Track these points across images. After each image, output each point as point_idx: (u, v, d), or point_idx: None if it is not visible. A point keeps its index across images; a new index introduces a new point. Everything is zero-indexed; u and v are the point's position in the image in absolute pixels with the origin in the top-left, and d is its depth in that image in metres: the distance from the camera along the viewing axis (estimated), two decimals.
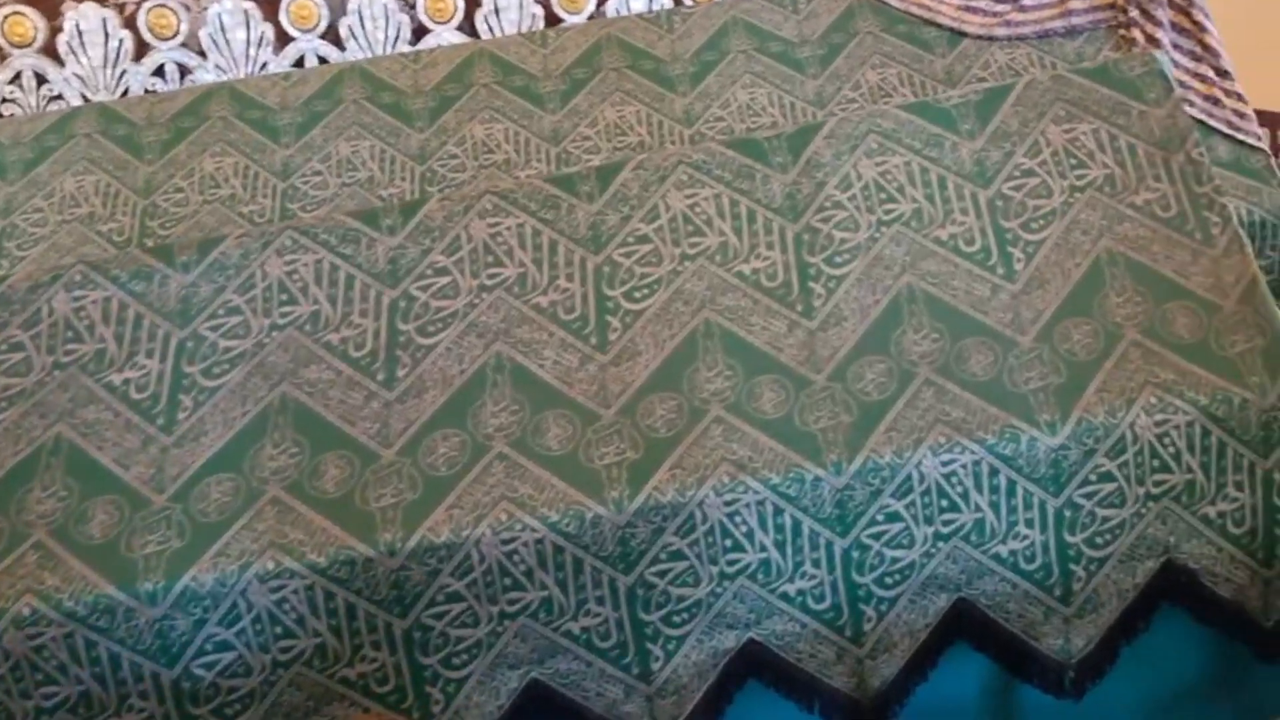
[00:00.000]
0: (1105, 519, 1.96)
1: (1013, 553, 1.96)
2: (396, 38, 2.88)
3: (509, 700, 1.93)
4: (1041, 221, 2.13)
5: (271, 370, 2.04)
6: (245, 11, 2.84)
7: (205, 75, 2.83)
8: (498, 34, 2.88)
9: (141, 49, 2.84)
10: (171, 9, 2.83)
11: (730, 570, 1.92)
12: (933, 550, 1.95)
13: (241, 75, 2.83)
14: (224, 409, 2.00)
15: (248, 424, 1.98)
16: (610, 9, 2.90)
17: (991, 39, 2.60)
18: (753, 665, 1.98)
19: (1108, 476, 1.94)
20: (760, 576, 1.93)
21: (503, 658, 1.91)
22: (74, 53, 2.82)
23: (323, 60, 2.86)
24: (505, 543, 1.87)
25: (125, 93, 2.82)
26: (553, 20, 2.90)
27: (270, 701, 1.87)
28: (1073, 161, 2.19)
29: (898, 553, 1.95)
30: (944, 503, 1.94)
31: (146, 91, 2.81)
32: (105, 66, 2.82)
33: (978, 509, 1.94)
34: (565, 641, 1.92)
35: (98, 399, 2.01)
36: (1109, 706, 2.06)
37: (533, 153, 2.51)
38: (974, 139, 2.22)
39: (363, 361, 2.05)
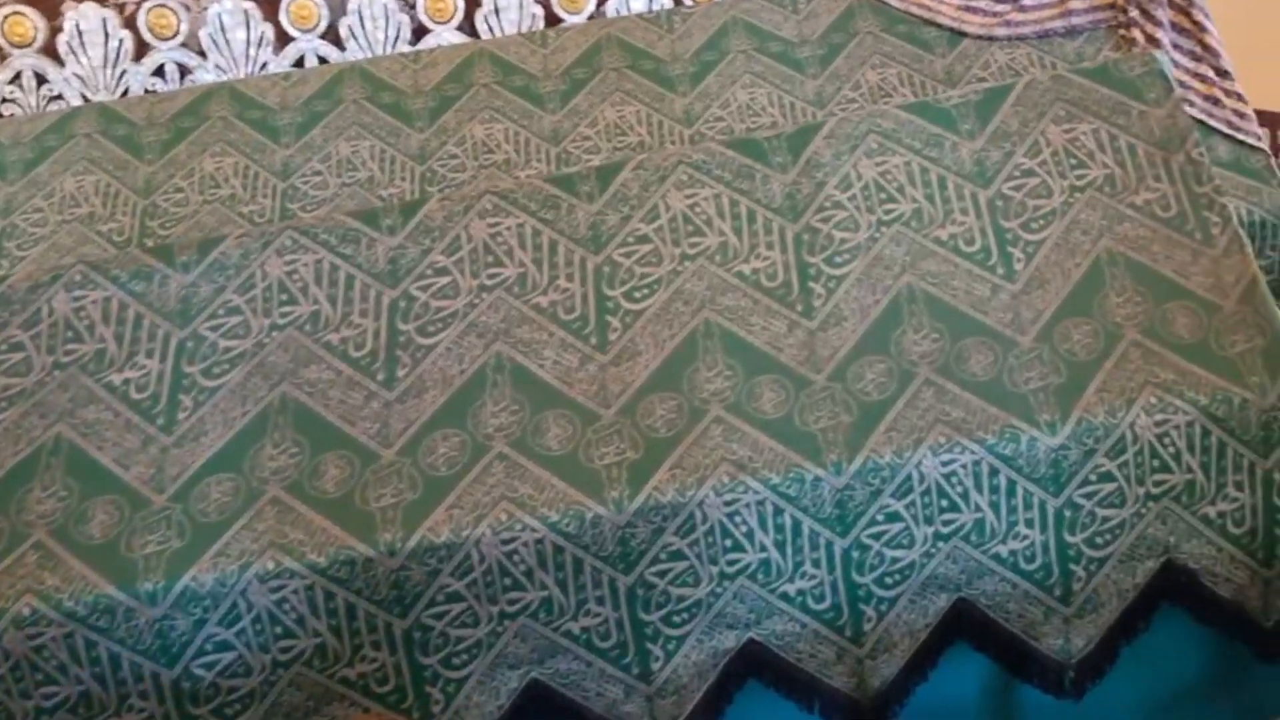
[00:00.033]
0: (1105, 519, 1.96)
1: (1013, 553, 1.96)
2: (396, 38, 2.88)
3: (509, 700, 1.93)
4: (1041, 221, 2.13)
5: (271, 370, 2.04)
6: (245, 11, 2.84)
7: (205, 75, 2.83)
8: (498, 34, 2.88)
9: (141, 49, 2.84)
10: (171, 9, 2.83)
11: (730, 570, 1.92)
12: (933, 550, 1.95)
13: (241, 75, 2.83)
14: (224, 409, 2.00)
15: (248, 424, 1.98)
16: (610, 9, 2.90)
17: (991, 39, 2.60)
18: (753, 665, 1.98)
19: (1108, 476, 1.94)
20: (760, 576, 1.93)
21: (503, 658, 1.91)
22: (74, 53, 2.82)
23: (323, 60, 2.86)
24: (505, 543, 1.87)
25: (125, 93, 2.82)
26: (553, 20, 2.90)
27: (270, 701, 1.87)
28: (1073, 161, 2.19)
29: (898, 553, 1.95)
30: (944, 503, 1.94)
31: (146, 91, 2.81)
32: (105, 66, 2.82)
33: (978, 509, 1.94)
34: (565, 641, 1.92)
35: (98, 399, 2.01)
36: (1109, 706, 2.06)
37: (533, 153, 2.51)
38: (974, 139, 2.22)
39: (363, 361, 2.05)
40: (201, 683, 1.85)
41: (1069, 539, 1.96)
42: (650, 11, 2.84)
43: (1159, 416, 1.93)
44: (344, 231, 2.17)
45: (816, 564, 1.94)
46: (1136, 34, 2.53)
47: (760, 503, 1.91)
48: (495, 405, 1.99)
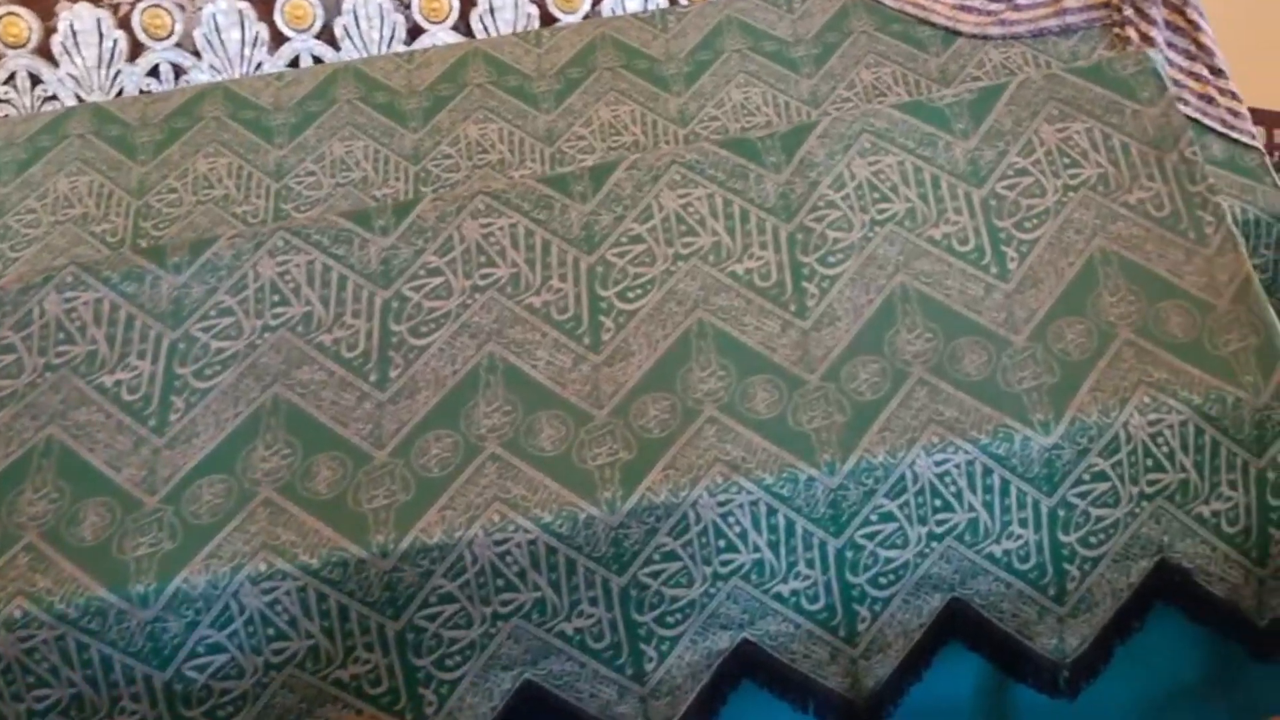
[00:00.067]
0: (1099, 518, 1.96)
1: (1006, 552, 1.96)
2: (391, 37, 2.88)
3: (502, 702, 1.93)
4: (1035, 221, 2.13)
5: (264, 371, 2.03)
6: (240, 11, 2.84)
7: (200, 75, 2.82)
8: (493, 34, 2.88)
9: (136, 49, 2.84)
10: (166, 9, 2.82)
11: (724, 571, 1.92)
12: (926, 550, 1.95)
13: (236, 75, 2.82)
14: (216, 410, 1.99)
15: (240, 425, 1.98)
16: (605, 8, 2.89)
17: (986, 38, 2.60)
18: (746, 666, 1.98)
19: (1101, 476, 1.94)
20: (754, 577, 1.93)
21: (496, 659, 1.91)
22: (68, 53, 2.81)
23: (318, 60, 2.86)
24: (498, 544, 1.87)
25: (120, 93, 2.82)
26: (548, 20, 2.90)
27: (263, 704, 1.87)
28: (1066, 160, 2.18)
29: (891, 553, 1.94)
30: (938, 502, 1.94)
31: (141, 92, 2.81)
32: (100, 67, 2.82)
33: (971, 509, 1.94)
34: (558, 643, 1.92)
35: (89, 400, 2.00)
36: (1103, 706, 2.06)
37: (527, 153, 2.51)
38: (967, 138, 2.22)
39: (355, 362, 2.05)
40: (194, 685, 1.84)
41: (1063, 538, 1.96)
42: (644, 11, 2.83)
43: (1152, 416, 1.93)
44: (336, 232, 2.17)
45: (810, 564, 1.93)
46: (1131, 32, 2.53)
47: (754, 503, 1.90)
48: (488, 406, 1.99)
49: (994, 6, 2.64)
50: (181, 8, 2.83)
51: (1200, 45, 2.54)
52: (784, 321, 2.05)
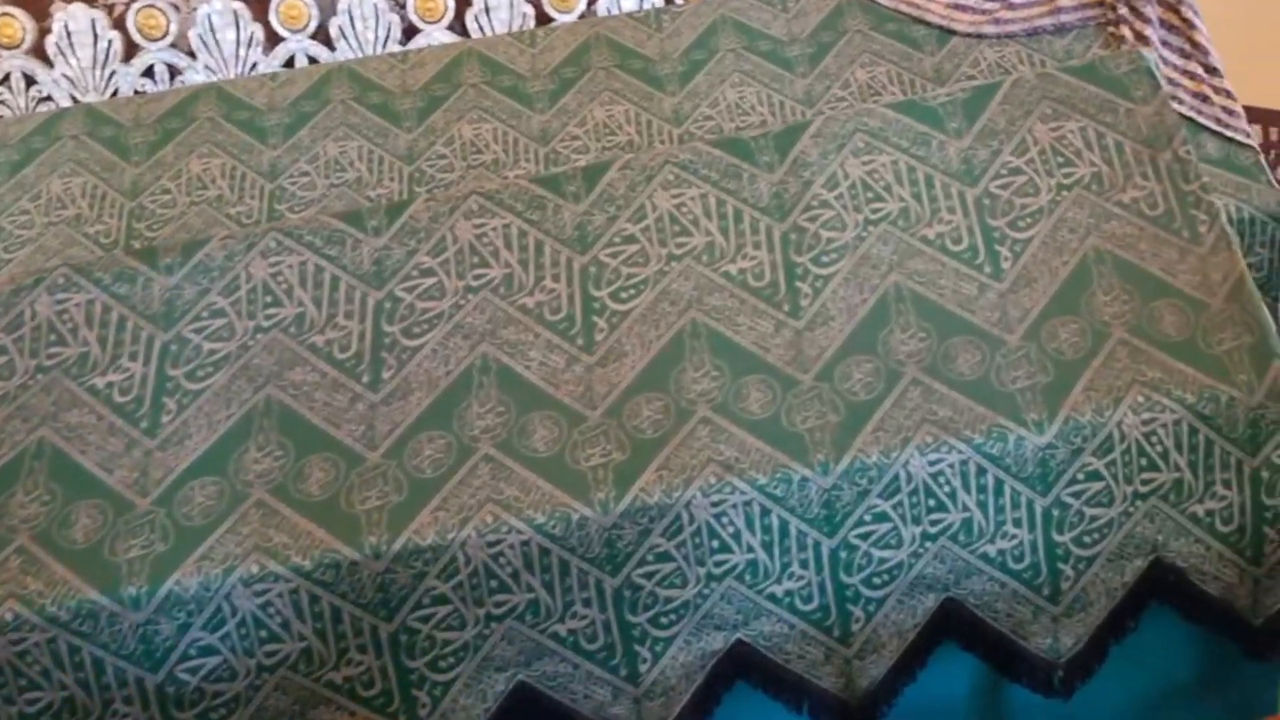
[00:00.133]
0: (1093, 518, 1.96)
1: (1001, 552, 1.96)
2: (387, 38, 2.88)
3: (496, 703, 1.92)
4: (1029, 220, 2.13)
5: (256, 373, 2.03)
6: (235, 12, 2.84)
7: (195, 76, 2.82)
8: (488, 33, 2.87)
9: (131, 50, 2.83)
10: (160, 9, 2.82)
11: (717, 571, 1.92)
12: (920, 550, 1.95)
13: (231, 76, 2.82)
14: (208, 412, 1.99)
15: (232, 427, 1.97)
16: (600, 8, 2.89)
17: (980, 37, 2.60)
18: (740, 666, 1.97)
19: (1095, 475, 1.94)
20: (748, 577, 1.93)
21: (489, 660, 1.91)
22: (63, 54, 2.81)
23: (313, 60, 2.85)
24: (491, 545, 1.87)
25: (115, 94, 2.81)
26: (543, 19, 2.89)
27: (255, 706, 1.87)
28: (1060, 159, 2.18)
29: (885, 553, 1.94)
30: (931, 502, 1.93)
31: (136, 92, 2.80)
32: (94, 68, 2.81)
33: (965, 508, 1.94)
34: (552, 644, 1.91)
35: (81, 402, 2.00)
36: (1098, 706, 2.06)
37: (521, 153, 2.51)
38: (961, 137, 2.22)
39: (348, 363, 2.04)
40: (186, 687, 1.84)
41: (1057, 538, 1.96)
42: (639, 10, 2.83)
43: (1146, 415, 1.93)
44: (329, 233, 2.17)
45: (804, 564, 1.93)
46: (1125, 31, 2.53)
47: (747, 503, 1.90)
48: (481, 407, 1.99)
49: (989, 5, 2.63)
50: (176, 8, 2.83)
51: (1195, 44, 2.54)
52: (777, 321, 2.05)
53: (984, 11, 2.62)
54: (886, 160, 2.20)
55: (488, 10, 2.88)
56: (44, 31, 2.81)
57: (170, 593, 1.82)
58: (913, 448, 1.92)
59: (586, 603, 1.90)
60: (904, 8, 2.67)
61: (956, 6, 2.64)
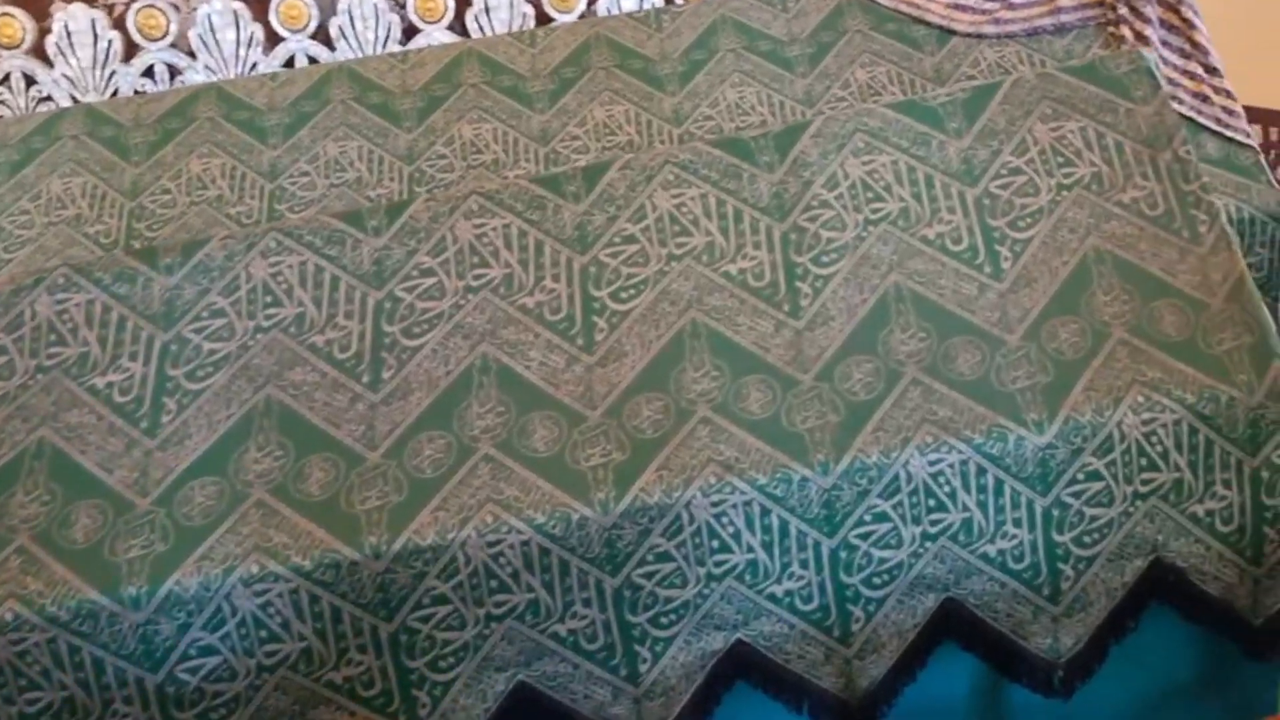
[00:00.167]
0: (1093, 518, 1.96)
1: (1001, 552, 1.96)
2: (387, 38, 2.88)
3: (496, 703, 1.92)
4: (1029, 220, 2.13)
5: (256, 373, 2.03)
6: (235, 12, 2.84)
7: (195, 76, 2.82)
8: (488, 33, 2.87)
9: (131, 50, 2.83)
10: (161, 9, 2.82)
11: (717, 571, 1.92)
12: (920, 550, 1.95)
13: (231, 76, 2.82)
14: (208, 412, 1.99)
15: (232, 427, 1.97)
16: (601, 8, 2.89)
17: (980, 37, 2.60)
18: (740, 666, 1.97)
19: (1095, 475, 1.94)
20: (748, 577, 1.93)
21: (489, 660, 1.91)
22: (63, 54, 2.81)
23: (313, 60, 2.85)
24: (491, 545, 1.87)
25: (115, 94, 2.81)
26: (544, 19, 2.89)
27: (255, 706, 1.86)
28: (1060, 159, 2.18)
29: (885, 553, 1.94)
30: (931, 502, 1.93)
31: (136, 92, 2.80)
32: (94, 68, 2.81)
33: (965, 508, 1.94)
34: (552, 644, 1.91)
35: (81, 402, 2.00)
36: (1098, 706, 2.06)
37: (521, 153, 2.51)
38: (961, 137, 2.22)
39: (348, 363, 2.04)
40: (186, 687, 1.84)
41: (1057, 538, 1.96)
42: (639, 10, 2.83)
43: (1146, 415, 1.93)
44: (329, 233, 2.17)
45: (804, 564, 1.93)
46: (1125, 31, 2.53)
47: (747, 503, 1.90)
48: (481, 407, 1.99)
49: (989, 5, 2.63)
50: (176, 8, 2.83)
51: (1195, 43, 2.54)
52: (777, 321, 2.05)
53: (984, 11, 2.62)
54: (886, 160, 2.20)
55: (488, 10, 2.88)
56: (44, 31, 2.80)
57: (170, 593, 1.82)
58: (913, 448, 1.92)
59: (586, 603, 1.90)
60: (904, 8, 2.67)
61: (956, 6, 2.64)
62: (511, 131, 2.54)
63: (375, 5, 2.85)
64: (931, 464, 1.92)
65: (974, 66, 2.56)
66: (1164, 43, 2.53)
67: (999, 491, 1.94)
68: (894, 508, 1.93)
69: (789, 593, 1.94)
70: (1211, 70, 2.50)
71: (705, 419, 1.95)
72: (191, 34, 2.83)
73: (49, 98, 2.81)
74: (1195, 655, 2.09)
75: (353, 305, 2.10)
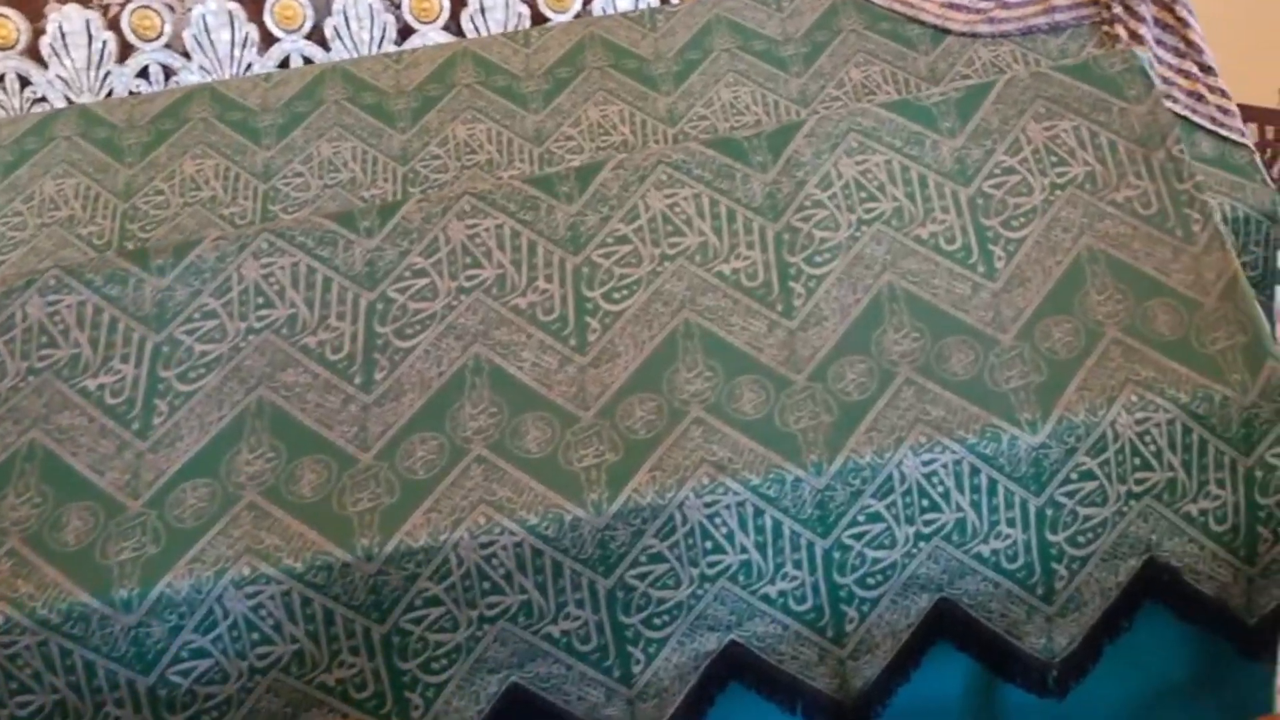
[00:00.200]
0: (1087, 517, 1.96)
1: (994, 552, 1.96)
2: (382, 38, 2.87)
3: (489, 705, 1.92)
4: (1022, 219, 2.13)
5: (248, 374, 2.03)
6: (229, 12, 2.83)
7: (190, 76, 2.82)
8: (484, 34, 2.86)
9: (125, 50, 2.83)
10: (155, 10, 2.82)
11: (711, 572, 1.92)
12: (914, 550, 1.94)
13: (226, 76, 2.81)
14: (200, 414, 1.99)
15: (224, 428, 1.97)
16: (596, 8, 2.88)
17: (975, 36, 2.60)
18: (734, 667, 1.97)
19: (1089, 475, 1.94)
20: (741, 578, 1.93)
21: (482, 662, 1.91)
22: (57, 55, 2.81)
23: (308, 61, 2.85)
24: (484, 546, 1.86)
25: (109, 94, 2.81)
26: (539, 19, 2.89)
27: (248, 708, 1.86)
28: (1053, 159, 2.18)
29: (879, 553, 1.94)
30: (925, 502, 1.93)
31: (131, 93, 2.80)
32: (89, 68, 2.81)
33: (959, 508, 1.94)
34: (545, 645, 1.91)
35: (72, 404, 2.00)
36: (1092, 705, 2.05)
37: (515, 153, 2.50)
38: (954, 137, 2.22)
39: (340, 365, 2.04)
40: (178, 690, 1.84)
41: (1051, 538, 1.95)
42: (633, 10, 2.82)
43: (1140, 414, 1.93)
44: (321, 234, 2.16)
45: (798, 565, 1.93)
46: (1120, 30, 2.52)
47: (740, 504, 1.90)
48: (474, 408, 1.99)
49: (983, 5, 2.63)
50: (171, 9, 2.83)
51: (1189, 42, 2.53)
52: (771, 321, 2.05)
53: (979, 11, 2.62)
54: (880, 160, 2.20)
55: (483, 10, 2.88)
56: (38, 32, 2.80)
57: (162, 595, 1.82)
58: (906, 448, 1.92)
59: (579, 604, 1.90)
60: (899, 7, 2.66)
61: (951, 6, 2.64)
62: (506, 132, 2.54)
63: (370, 5, 2.85)
64: (925, 464, 1.92)
65: (969, 66, 2.55)
66: (1159, 41, 2.53)
67: (992, 491, 1.93)
68: (887, 508, 1.93)
69: (782, 593, 1.94)
70: (1206, 69, 2.50)
71: (698, 419, 1.95)
72: (186, 34, 2.82)
73: (43, 99, 2.81)
74: (1189, 654, 2.09)
75: (345, 306, 2.10)
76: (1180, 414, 1.93)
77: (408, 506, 1.89)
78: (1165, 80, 2.43)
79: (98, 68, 2.81)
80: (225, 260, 2.13)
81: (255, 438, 1.96)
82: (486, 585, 1.88)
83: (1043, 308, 2.03)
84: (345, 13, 2.85)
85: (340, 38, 2.85)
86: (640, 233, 2.15)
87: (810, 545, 1.92)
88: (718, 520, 1.90)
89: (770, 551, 1.92)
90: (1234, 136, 2.43)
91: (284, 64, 2.85)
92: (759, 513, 1.91)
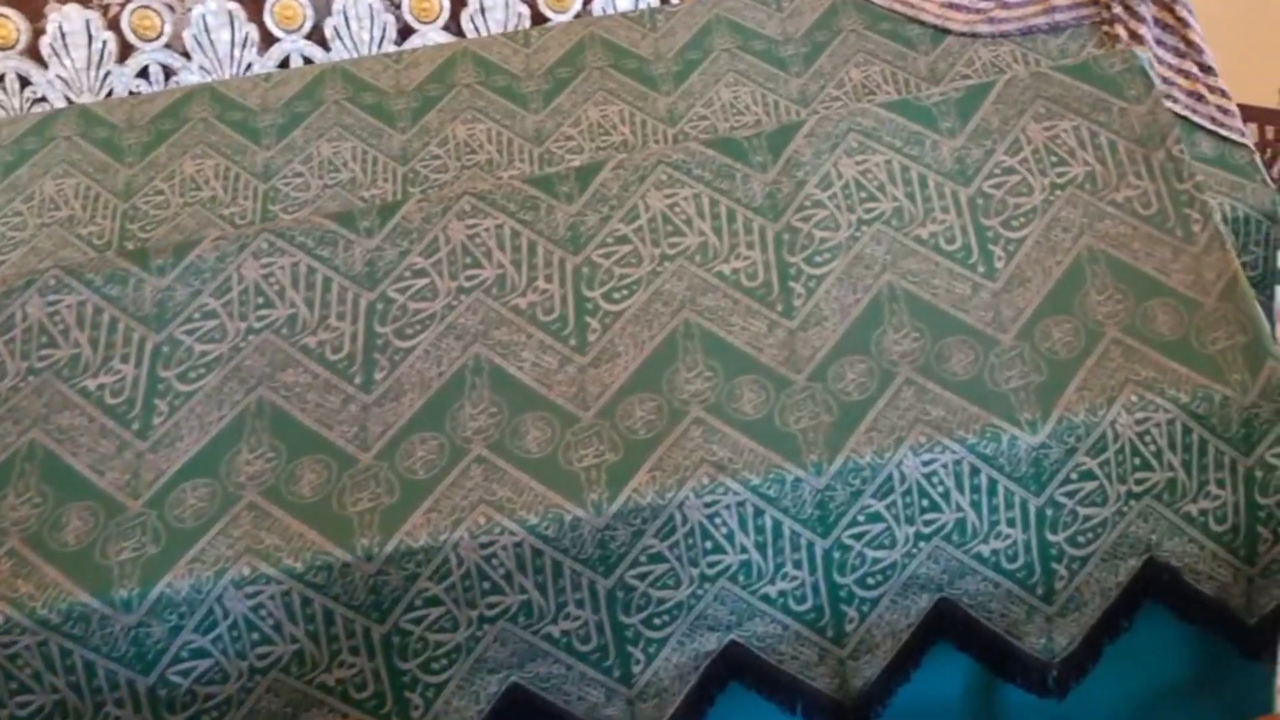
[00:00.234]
0: (1087, 517, 1.96)
1: (994, 552, 1.96)
2: (382, 38, 2.87)
3: (489, 705, 1.92)
4: (1022, 219, 2.12)
5: (248, 374, 2.03)
6: (229, 12, 2.83)
7: (190, 77, 2.81)
8: (484, 34, 2.86)
9: (125, 50, 2.83)
10: (155, 10, 2.82)
11: (711, 572, 1.91)
12: (914, 550, 1.94)
13: (226, 76, 2.81)
14: (200, 414, 1.99)
15: (224, 428, 1.97)
16: (596, 8, 2.88)
17: (975, 36, 2.59)
18: (734, 667, 1.97)
19: (1089, 475, 1.94)
20: (741, 578, 1.92)
21: (482, 662, 1.91)
22: (57, 55, 2.81)
23: (308, 61, 2.84)
24: (484, 546, 1.86)
25: (109, 94, 2.81)
26: (539, 19, 2.88)
27: (248, 708, 1.86)
28: (1053, 159, 2.18)
29: (879, 553, 1.94)
30: (925, 502, 1.93)
31: (131, 93, 2.80)
32: (89, 68, 2.81)
33: (959, 508, 1.94)
34: (545, 645, 1.91)
35: (72, 404, 2.00)
36: (1092, 705, 2.06)
37: (515, 153, 2.50)
38: (954, 137, 2.22)
39: (340, 365, 2.04)
40: (178, 690, 1.84)
41: (1051, 538, 1.95)
42: (633, 10, 2.82)
43: (1140, 414, 1.93)
44: (321, 234, 2.16)
45: (798, 565, 1.93)
46: (1120, 30, 2.52)
47: (740, 504, 1.90)
48: (474, 408, 1.98)
49: (983, 4, 2.63)
50: (171, 9, 2.82)
51: (1189, 42, 2.53)
52: (771, 321, 2.05)
53: (979, 11, 2.62)
54: (880, 160, 2.19)
55: (483, 10, 2.88)
56: (38, 32, 2.80)
57: (162, 595, 1.82)
58: (906, 448, 1.92)
59: (579, 604, 1.90)
60: (899, 7, 2.66)
61: (951, 5, 2.64)
62: (506, 132, 2.54)
63: (370, 5, 2.84)
64: (925, 464, 1.92)
65: (969, 66, 2.55)
66: (1159, 41, 2.53)
67: (992, 491, 1.93)
68: (887, 508, 1.93)
69: (782, 593, 1.94)
70: (1206, 69, 2.50)
71: (698, 419, 1.95)
72: (186, 35, 2.82)
73: (44, 99, 2.80)
74: (1189, 655, 2.09)
75: (345, 306, 2.09)
76: (1180, 414, 1.93)
77: (408, 506, 1.89)
78: (1165, 80, 2.44)
79: (98, 68, 2.81)
80: (225, 260, 2.13)
81: (255, 438, 1.96)
82: (486, 585, 1.87)
83: (1043, 308, 2.03)
84: (345, 13, 2.85)
85: (340, 38, 2.85)
86: (640, 233, 2.15)
87: (810, 545, 1.92)
88: (718, 520, 1.90)
89: (770, 551, 1.92)
90: (1234, 136, 2.43)
91: (284, 64, 2.84)
92: (759, 513, 1.90)
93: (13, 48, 2.80)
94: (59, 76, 2.80)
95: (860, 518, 1.92)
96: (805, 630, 1.96)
